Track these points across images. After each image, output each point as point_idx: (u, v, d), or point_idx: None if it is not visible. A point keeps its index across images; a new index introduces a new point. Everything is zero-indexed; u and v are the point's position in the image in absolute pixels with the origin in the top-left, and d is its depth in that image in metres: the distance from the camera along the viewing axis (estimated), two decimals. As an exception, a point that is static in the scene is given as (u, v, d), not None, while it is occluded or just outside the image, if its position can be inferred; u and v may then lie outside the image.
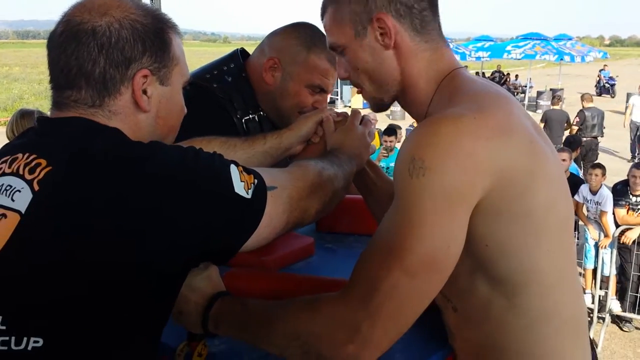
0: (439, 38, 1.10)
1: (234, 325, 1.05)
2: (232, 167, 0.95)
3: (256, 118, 1.68)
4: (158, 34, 0.98)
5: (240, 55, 1.76)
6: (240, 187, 0.93)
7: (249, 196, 0.94)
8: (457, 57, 1.13)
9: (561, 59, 19.13)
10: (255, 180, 0.97)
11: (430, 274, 0.90)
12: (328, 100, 1.73)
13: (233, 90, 1.65)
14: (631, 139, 12.14)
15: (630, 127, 12.14)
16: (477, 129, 0.92)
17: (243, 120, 1.64)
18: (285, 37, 1.67)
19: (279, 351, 1.00)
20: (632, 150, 12.11)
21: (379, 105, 1.19)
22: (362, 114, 1.45)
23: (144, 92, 0.96)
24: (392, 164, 6.52)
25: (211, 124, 1.56)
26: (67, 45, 0.93)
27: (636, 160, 9.56)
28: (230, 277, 1.20)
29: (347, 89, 21.22)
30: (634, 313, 5.05)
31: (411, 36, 1.07)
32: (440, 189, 0.90)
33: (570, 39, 22.36)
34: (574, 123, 9.85)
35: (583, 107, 10.12)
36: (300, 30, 1.67)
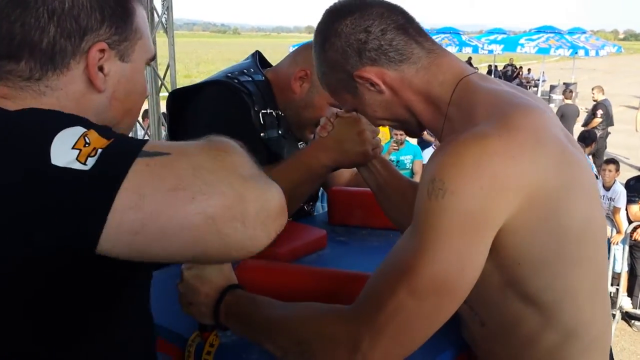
0: (426, 52, 1.06)
1: (241, 320, 1.05)
2: (63, 133, 0.70)
3: (274, 114, 1.68)
4: (119, 2, 0.85)
5: (258, 58, 1.79)
6: (68, 156, 0.68)
7: (86, 167, 0.67)
8: (463, 55, 1.10)
9: (575, 53, 18.95)
10: (109, 145, 0.70)
11: (439, 298, 0.88)
12: None
13: (252, 87, 1.66)
14: None
15: None
16: (504, 148, 0.88)
17: (260, 114, 1.64)
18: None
19: (280, 353, 1.00)
20: None
21: (411, 134, 1.21)
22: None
23: (100, 68, 0.83)
24: (402, 157, 6.50)
25: (229, 113, 1.60)
26: (11, 10, 0.78)
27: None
28: (243, 268, 1.20)
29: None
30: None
31: (396, 69, 1.05)
32: (459, 212, 0.87)
33: (584, 32, 22.14)
34: (598, 116, 9.65)
35: (597, 100, 9.98)
36: None
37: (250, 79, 1.69)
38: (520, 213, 0.89)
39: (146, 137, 5.25)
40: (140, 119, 5.45)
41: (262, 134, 1.63)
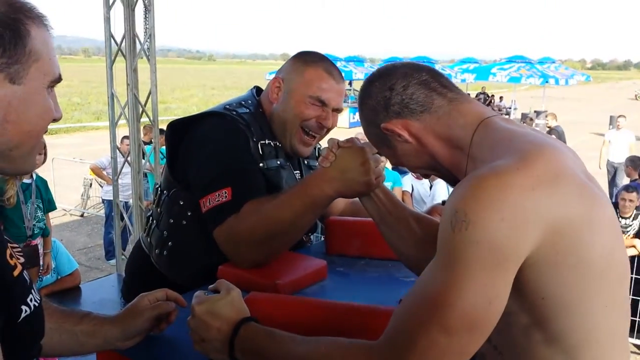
0: (447, 101, 1.11)
1: (259, 355, 1.02)
2: None
3: (272, 144, 1.68)
4: (9, 25, 0.83)
5: (255, 93, 1.82)
6: None
7: None
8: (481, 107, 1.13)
9: (546, 82, 19.42)
10: None
11: (469, 332, 0.87)
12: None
13: (250, 119, 1.67)
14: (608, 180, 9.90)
15: (607, 169, 9.96)
16: (522, 180, 0.89)
17: (259, 144, 1.64)
18: (290, 60, 1.76)
19: None
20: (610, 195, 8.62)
21: (449, 182, 1.22)
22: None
23: None
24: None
25: (231, 142, 1.60)
26: None
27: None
28: (253, 301, 1.17)
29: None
30: (633, 337, 5.05)
31: (418, 119, 1.11)
32: (483, 244, 0.86)
33: (553, 61, 22.74)
34: None
35: (550, 127, 10.33)
36: (303, 53, 1.77)
37: (248, 110, 1.70)
38: (541, 246, 0.89)
39: (126, 165, 5.18)
40: (118, 144, 5.37)
41: (261, 164, 1.62)
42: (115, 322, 1.21)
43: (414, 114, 1.11)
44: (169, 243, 1.68)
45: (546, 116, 10.40)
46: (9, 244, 0.89)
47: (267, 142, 1.66)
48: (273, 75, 1.77)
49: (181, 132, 1.69)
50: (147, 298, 1.25)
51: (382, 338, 0.92)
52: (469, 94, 1.16)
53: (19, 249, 1.04)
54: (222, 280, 1.13)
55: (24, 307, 0.87)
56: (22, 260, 0.92)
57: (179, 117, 1.71)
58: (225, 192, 1.49)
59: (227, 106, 1.69)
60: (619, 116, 10.23)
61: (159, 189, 1.76)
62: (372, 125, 1.18)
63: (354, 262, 1.73)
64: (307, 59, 1.71)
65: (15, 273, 0.86)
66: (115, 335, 1.20)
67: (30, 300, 0.89)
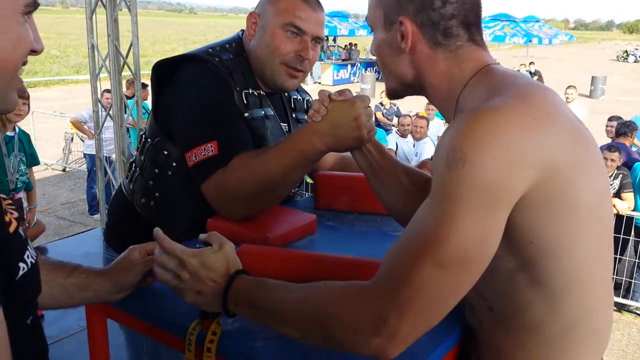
0: (467, 43, 1.07)
1: (253, 306, 1.02)
2: None
3: (255, 93, 1.64)
4: None
5: (242, 36, 1.75)
6: None
7: None
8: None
9: (529, 41, 19.37)
10: None
11: (463, 268, 0.88)
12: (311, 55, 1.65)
13: (233, 66, 1.62)
14: None
15: None
16: (519, 120, 0.89)
17: (243, 94, 1.60)
18: None
19: (298, 334, 0.98)
20: None
21: (389, 93, 1.21)
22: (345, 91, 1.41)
23: None
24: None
25: (212, 93, 1.56)
26: None
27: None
28: (245, 254, 1.17)
29: (317, 65, 21.11)
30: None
31: (430, 46, 1.07)
32: (479, 182, 0.86)
33: (537, 20, 22.64)
34: None
35: (530, 71, 10.23)
36: None
37: (231, 56, 1.65)
38: (535, 187, 0.90)
39: (108, 119, 5.10)
40: (99, 96, 5.28)
41: (245, 114, 1.59)
42: (106, 276, 1.20)
43: (432, 40, 1.06)
44: (156, 194, 1.66)
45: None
46: (1, 199, 0.86)
47: (250, 91, 1.62)
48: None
49: (164, 73, 1.65)
50: (138, 251, 1.24)
51: (376, 276, 0.92)
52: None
53: (11, 203, 1.01)
54: (214, 233, 1.12)
55: (21, 265, 0.84)
56: (15, 215, 0.89)
57: (163, 58, 1.67)
58: (211, 146, 1.47)
59: (210, 50, 1.64)
60: (568, 87, 8.85)
61: (144, 135, 1.73)
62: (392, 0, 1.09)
63: (343, 216, 1.74)
64: None
65: (11, 229, 0.84)
66: (106, 289, 1.20)
67: (27, 257, 0.86)
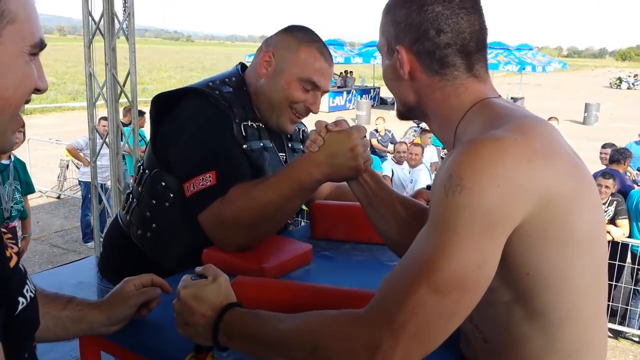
0: (467, 75, 1.07)
1: (246, 337, 1.01)
2: None
3: (254, 125, 1.65)
4: None
5: (240, 70, 1.77)
6: None
7: None
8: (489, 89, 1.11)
9: (523, 69, 19.56)
10: None
11: (459, 294, 0.87)
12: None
13: (233, 99, 1.64)
14: None
15: None
16: (519, 151, 0.90)
17: (242, 126, 1.61)
18: (281, 34, 1.70)
19: None
20: None
21: (397, 114, 1.22)
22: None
23: None
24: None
25: (211, 125, 1.57)
26: None
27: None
28: (239, 285, 1.17)
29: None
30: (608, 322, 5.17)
31: (428, 75, 1.08)
32: (477, 208, 0.87)
33: (531, 48, 22.90)
34: None
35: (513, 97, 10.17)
36: (296, 29, 1.71)
37: (231, 89, 1.66)
38: (532, 217, 0.90)
39: (104, 146, 5.10)
40: (96, 124, 5.29)
41: (244, 146, 1.60)
42: (101, 308, 1.19)
43: (429, 69, 1.07)
44: (152, 225, 1.66)
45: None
46: (2, 233, 0.86)
47: (249, 123, 1.64)
48: (261, 53, 1.69)
49: (164, 106, 1.66)
50: (133, 283, 1.23)
51: (369, 304, 0.91)
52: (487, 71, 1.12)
53: (10, 237, 1.00)
54: (210, 265, 1.12)
55: (20, 299, 0.84)
56: (16, 249, 0.89)
57: (163, 91, 1.68)
58: (210, 176, 1.47)
59: (211, 83, 1.66)
60: (550, 118, 8.17)
61: (141, 167, 1.73)
62: (394, 28, 1.10)
63: (339, 246, 1.73)
64: (301, 37, 1.66)
65: (12, 264, 0.83)
66: (101, 321, 1.19)
67: (27, 291, 0.86)
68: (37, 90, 0.86)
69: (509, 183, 0.88)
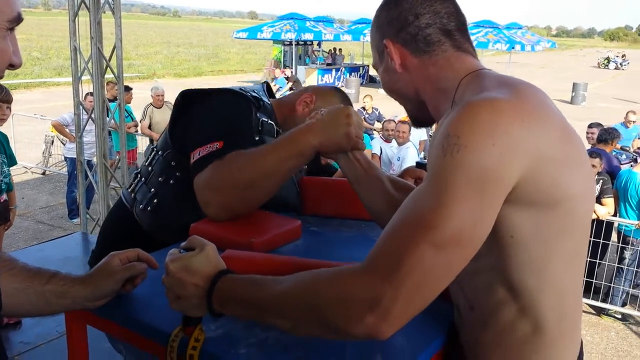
0: (453, 50, 1.13)
1: (241, 302, 1.01)
2: None
3: (273, 124, 1.71)
4: None
5: (266, 88, 1.92)
6: None
7: None
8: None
9: (512, 48, 19.55)
10: None
11: (456, 250, 0.89)
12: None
13: (262, 100, 1.74)
14: None
15: None
16: (514, 112, 0.92)
17: (261, 120, 1.67)
18: (327, 89, 1.92)
19: (291, 324, 0.97)
20: None
21: (413, 121, 1.29)
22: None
23: None
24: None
25: (233, 106, 1.65)
26: None
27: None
28: (229, 258, 1.15)
29: (302, 69, 21.14)
30: (589, 298, 5.25)
31: (418, 57, 1.15)
32: (475, 166, 0.88)
33: (520, 27, 22.86)
34: None
35: None
36: (340, 91, 1.93)
37: (262, 95, 1.77)
38: (525, 178, 0.91)
39: (89, 122, 5.05)
40: (82, 99, 5.22)
41: (257, 138, 1.64)
42: (85, 283, 1.18)
43: (417, 51, 1.14)
44: (155, 200, 1.67)
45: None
46: None
47: (269, 121, 1.70)
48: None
49: (191, 101, 1.69)
50: (119, 257, 1.21)
51: (368, 258, 0.92)
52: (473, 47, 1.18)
53: None
54: (194, 237, 1.11)
55: None
56: None
57: (193, 88, 1.74)
58: (217, 145, 1.50)
59: (242, 88, 1.73)
60: None
61: (154, 148, 1.76)
62: (380, 28, 1.20)
63: (328, 222, 1.73)
64: (343, 101, 1.83)
65: None
66: (85, 296, 1.17)
67: None
68: (11, 66, 0.84)
69: (503, 142, 0.89)
